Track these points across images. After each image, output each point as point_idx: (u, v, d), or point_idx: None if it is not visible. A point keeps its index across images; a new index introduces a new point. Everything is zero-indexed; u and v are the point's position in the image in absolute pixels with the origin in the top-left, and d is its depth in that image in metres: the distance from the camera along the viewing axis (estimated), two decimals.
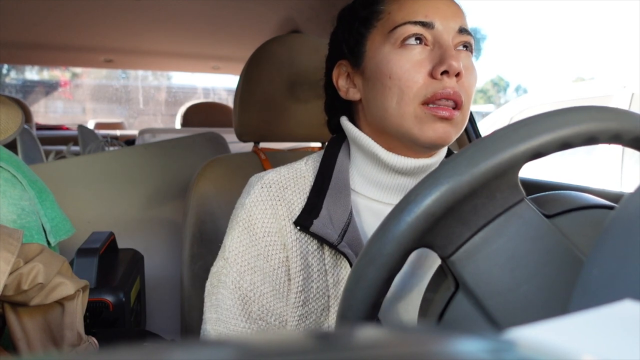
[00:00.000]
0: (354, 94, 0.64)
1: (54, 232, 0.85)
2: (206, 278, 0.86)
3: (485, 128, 2.83)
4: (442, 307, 0.39)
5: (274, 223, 0.60)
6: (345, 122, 0.65)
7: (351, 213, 0.60)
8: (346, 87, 0.65)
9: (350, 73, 0.64)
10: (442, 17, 0.58)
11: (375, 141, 0.62)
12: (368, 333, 0.16)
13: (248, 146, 1.07)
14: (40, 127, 3.77)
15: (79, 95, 7.34)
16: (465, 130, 1.24)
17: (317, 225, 0.57)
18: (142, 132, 2.37)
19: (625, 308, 0.18)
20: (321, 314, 0.59)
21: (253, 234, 0.60)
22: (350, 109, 0.66)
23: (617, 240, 0.26)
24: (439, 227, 0.37)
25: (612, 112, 0.38)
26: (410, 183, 0.62)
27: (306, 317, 0.59)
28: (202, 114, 3.11)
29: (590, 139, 0.36)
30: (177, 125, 3.18)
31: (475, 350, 0.14)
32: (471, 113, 1.25)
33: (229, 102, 4.17)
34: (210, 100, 4.68)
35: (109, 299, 0.79)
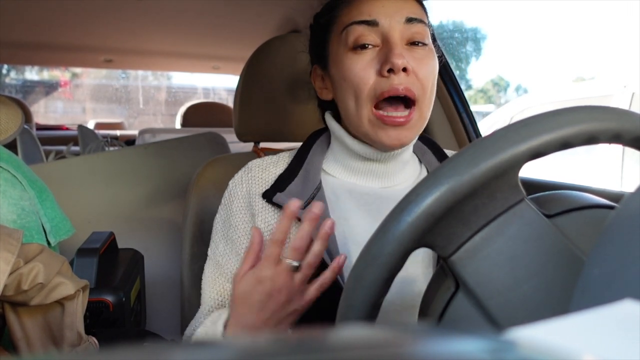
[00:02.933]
0: (327, 94, 0.70)
1: (54, 232, 0.85)
2: None
3: (486, 128, 2.82)
4: (442, 307, 0.39)
5: (247, 198, 0.68)
6: (327, 115, 0.71)
7: (318, 188, 0.67)
8: (321, 88, 0.71)
9: (323, 75, 0.70)
10: (386, 13, 0.61)
11: (352, 131, 0.67)
12: (367, 333, 0.16)
13: (248, 146, 1.07)
14: (40, 127, 3.77)
15: (79, 95, 7.34)
16: (465, 130, 1.24)
17: (279, 197, 0.64)
18: (142, 132, 2.37)
19: (625, 308, 0.18)
20: None
21: (229, 209, 0.69)
22: (336, 106, 0.72)
23: (618, 240, 0.26)
24: (439, 227, 0.37)
25: (612, 111, 0.38)
26: (378, 168, 0.67)
27: None
28: (202, 114, 3.11)
29: (591, 139, 0.36)
30: (177, 125, 3.18)
31: (475, 350, 0.14)
32: (471, 113, 1.25)
33: (229, 102, 4.17)
34: (210, 100, 4.67)
35: (109, 299, 0.79)
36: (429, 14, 0.67)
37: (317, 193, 0.66)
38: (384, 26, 0.60)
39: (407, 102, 0.61)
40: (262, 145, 1.03)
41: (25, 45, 2.07)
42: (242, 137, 1.01)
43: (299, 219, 0.62)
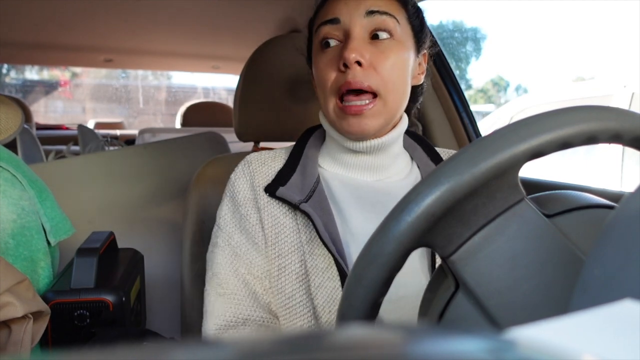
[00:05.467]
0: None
1: (54, 232, 0.85)
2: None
3: (486, 128, 2.82)
4: (442, 307, 0.39)
5: (251, 191, 0.70)
6: (320, 112, 0.73)
7: (317, 181, 0.69)
8: (314, 86, 0.73)
9: (312, 74, 0.73)
10: (347, 9, 0.64)
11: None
12: (367, 333, 0.16)
13: (248, 146, 1.08)
14: (40, 127, 3.76)
15: (79, 95, 7.33)
16: (465, 130, 1.24)
17: (281, 191, 0.67)
18: (142, 132, 2.37)
19: (625, 308, 0.18)
20: (300, 267, 0.65)
21: (236, 201, 0.70)
22: None
23: (618, 240, 0.26)
24: (439, 226, 0.37)
25: (612, 111, 0.38)
26: (369, 161, 0.70)
27: (285, 267, 0.66)
28: (202, 114, 3.11)
29: (590, 139, 0.36)
30: (177, 125, 3.18)
31: (475, 350, 0.14)
32: (471, 113, 1.25)
33: (229, 101, 4.16)
34: (210, 99, 4.67)
35: (109, 298, 0.79)
36: (411, 6, 0.68)
37: (316, 187, 0.68)
38: (345, 22, 0.64)
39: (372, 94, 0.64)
40: (262, 144, 1.03)
41: (25, 45, 2.07)
42: (242, 137, 1.01)
43: (297, 207, 0.65)
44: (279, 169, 0.71)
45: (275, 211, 0.68)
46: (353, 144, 0.68)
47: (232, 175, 0.73)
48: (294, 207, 0.66)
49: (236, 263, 0.67)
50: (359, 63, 0.62)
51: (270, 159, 0.73)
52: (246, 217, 0.69)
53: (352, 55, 0.61)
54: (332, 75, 0.64)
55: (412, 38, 0.68)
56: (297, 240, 0.66)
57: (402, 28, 0.65)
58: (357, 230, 0.67)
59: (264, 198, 0.69)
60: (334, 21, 0.64)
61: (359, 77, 0.62)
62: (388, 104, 0.64)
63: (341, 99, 0.64)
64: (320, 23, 0.66)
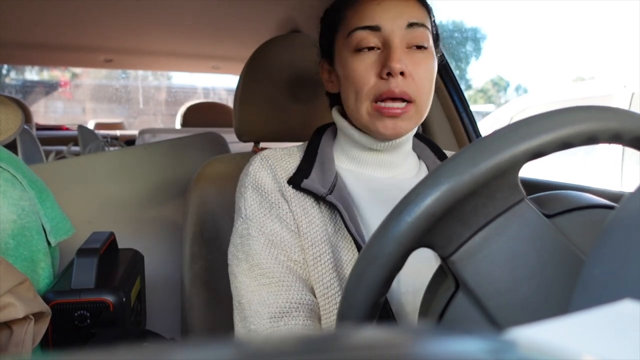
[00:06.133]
0: (333, 88, 0.74)
1: (54, 232, 0.85)
2: (206, 278, 0.86)
3: (486, 128, 2.82)
4: (442, 307, 0.39)
5: (275, 183, 0.70)
6: (334, 111, 0.75)
7: (337, 177, 0.70)
8: (328, 81, 0.75)
9: (329, 70, 0.74)
10: (389, 18, 0.65)
11: (354, 123, 0.71)
12: (367, 333, 0.16)
13: (248, 146, 1.08)
14: (40, 128, 3.76)
15: (79, 95, 7.33)
16: (465, 130, 1.24)
17: (306, 183, 0.67)
18: (142, 132, 2.37)
19: (625, 308, 0.18)
20: (332, 256, 0.66)
21: (262, 191, 0.70)
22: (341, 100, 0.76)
23: (617, 240, 0.26)
24: (439, 227, 0.37)
25: (612, 111, 0.38)
26: (383, 158, 0.72)
27: (320, 257, 0.66)
28: (202, 114, 3.10)
29: (591, 139, 0.36)
30: (177, 125, 3.18)
31: (475, 350, 0.14)
32: (471, 113, 1.25)
33: (229, 102, 4.16)
34: (210, 100, 4.67)
35: (109, 299, 0.79)
36: (432, 13, 0.70)
37: (336, 182, 0.69)
38: (385, 31, 0.64)
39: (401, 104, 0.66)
40: (262, 145, 1.03)
41: (25, 45, 2.07)
42: (242, 137, 1.01)
43: (324, 198, 0.66)
44: (296, 164, 0.72)
45: (304, 203, 0.68)
46: (374, 143, 0.69)
47: (250, 169, 0.72)
48: (319, 199, 0.67)
49: (274, 251, 0.66)
50: (401, 73, 0.63)
51: (286, 155, 0.74)
52: (277, 204, 0.68)
53: (397, 66, 0.62)
54: (372, 81, 0.65)
55: (433, 45, 0.70)
56: (324, 232, 0.67)
57: (431, 38, 0.67)
58: (372, 224, 0.68)
59: (289, 190, 0.69)
60: (375, 28, 0.65)
61: (401, 86, 0.63)
62: (420, 110, 0.66)
63: (374, 102, 0.65)
64: (357, 28, 0.66)
